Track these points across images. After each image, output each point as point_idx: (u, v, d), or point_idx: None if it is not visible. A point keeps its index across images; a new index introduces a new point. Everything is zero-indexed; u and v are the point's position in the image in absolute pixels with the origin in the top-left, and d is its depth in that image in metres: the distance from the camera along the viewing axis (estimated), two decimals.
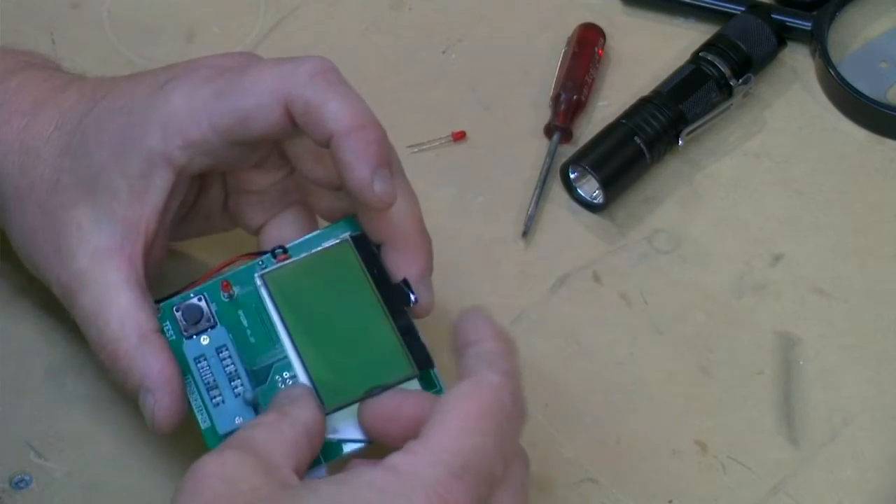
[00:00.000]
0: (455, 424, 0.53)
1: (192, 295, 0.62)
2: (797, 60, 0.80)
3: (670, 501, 0.67)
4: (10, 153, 0.64)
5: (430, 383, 0.60)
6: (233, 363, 0.60)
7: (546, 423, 0.68)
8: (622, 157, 0.75)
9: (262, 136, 0.61)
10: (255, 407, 0.59)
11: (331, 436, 0.59)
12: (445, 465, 0.52)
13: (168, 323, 0.62)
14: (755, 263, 0.74)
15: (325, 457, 0.58)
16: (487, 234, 0.75)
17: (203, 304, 0.61)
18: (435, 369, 0.60)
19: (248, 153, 0.63)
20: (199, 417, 0.60)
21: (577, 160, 0.75)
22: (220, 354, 0.60)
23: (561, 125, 0.77)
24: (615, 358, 0.71)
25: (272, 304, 0.61)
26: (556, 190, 0.76)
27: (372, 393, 0.58)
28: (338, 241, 0.62)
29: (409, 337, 0.60)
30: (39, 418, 0.68)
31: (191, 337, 0.61)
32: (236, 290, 0.62)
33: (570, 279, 0.73)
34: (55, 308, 0.69)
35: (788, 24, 0.80)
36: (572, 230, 0.75)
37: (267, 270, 0.62)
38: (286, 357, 0.60)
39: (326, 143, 0.59)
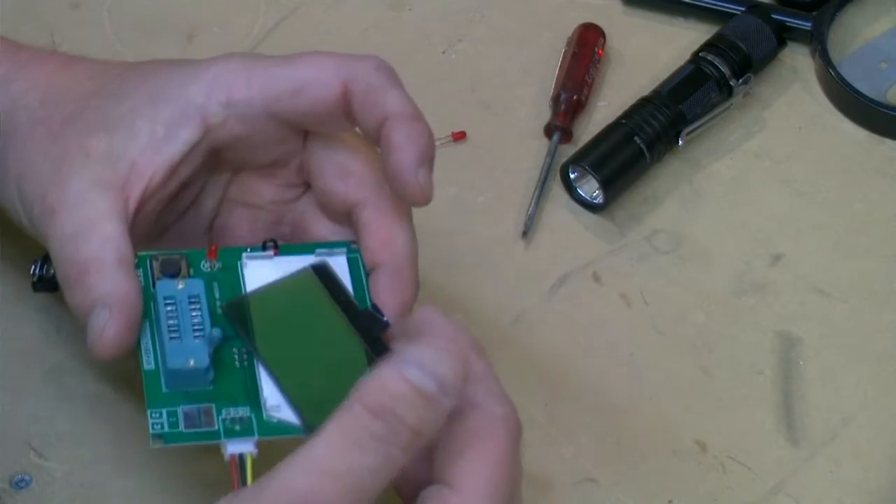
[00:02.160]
0: (485, 471, 0.54)
1: (174, 253, 0.61)
2: (797, 60, 0.80)
3: (670, 501, 0.67)
4: (35, 89, 0.63)
5: None
6: (200, 315, 0.59)
7: (546, 423, 0.68)
8: (622, 157, 0.75)
9: (308, 112, 0.61)
10: (212, 353, 0.58)
11: (272, 414, 0.58)
12: None
13: (141, 270, 0.60)
14: (755, 263, 0.74)
15: (259, 431, 0.57)
16: (487, 234, 0.75)
17: (183, 262, 0.60)
18: None
19: (279, 136, 0.63)
20: (144, 359, 0.58)
21: (577, 160, 0.75)
22: (191, 303, 0.59)
23: (561, 125, 0.77)
24: (615, 358, 0.71)
25: (245, 287, 0.61)
26: (556, 190, 0.76)
27: None
28: (300, 271, 0.61)
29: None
30: (39, 418, 0.68)
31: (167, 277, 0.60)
32: (217, 265, 0.61)
33: (570, 279, 0.73)
34: (56, 309, 0.69)
35: (788, 24, 0.80)
36: (572, 230, 0.75)
37: (252, 255, 0.61)
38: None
39: (377, 128, 0.60)
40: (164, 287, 0.59)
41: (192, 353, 0.58)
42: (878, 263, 0.74)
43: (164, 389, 0.58)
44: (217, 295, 0.60)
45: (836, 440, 0.68)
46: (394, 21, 0.82)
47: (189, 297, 0.59)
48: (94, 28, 0.81)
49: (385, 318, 0.60)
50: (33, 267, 0.66)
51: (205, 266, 0.61)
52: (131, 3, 0.83)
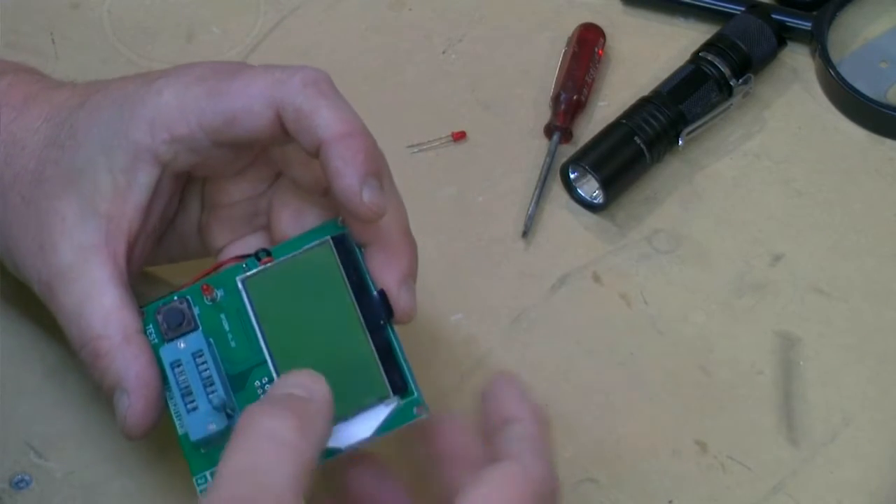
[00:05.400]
0: (487, 494, 0.52)
1: (175, 298, 0.61)
2: (797, 60, 0.80)
3: (670, 501, 0.67)
4: None
5: (407, 402, 0.59)
6: (208, 369, 0.59)
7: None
8: (622, 157, 0.75)
9: (248, 139, 0.61)
10: (227, 413, 0.59)
11: None
12: None
13: (151, 326, 0.61)
14: (755, 263, 0.74)
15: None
16: (487, 234, 0.75)
17: (185, 307, 0.61)
18: (414, 392, 0.59)
19: (235, 155, 0.63)
20: (176, 423, 0.60)
21: (577, 160, 0.75)
22: (197, 360, 0.60)
23: (561, 125, 0.77)
24: (615, 358, 0.71)
25: (252, 309, 0.61)
26: (556, 190, 0.76)
27: (347, 415, 0.58)
28: (319, 242, 0.61)
29: (387, 356, 0.59)
30: (39, 418, 0.68)
31: (171, 341, 0.60)
32: (219, 293, 0.61)
33: (570, 279, 0.73)
34: None
35: (788, 24, 0.80)
36: (572, 230, 0.75)
37: (248, 275, 0.61)
38: (265, 361, 0.60)
39: (316, 152, 0.59)
40: (168, 353, 0.60)
41: (210, 418, 0.59)
42: (878, 263, 0.74)
43: (201, 451, 0.59)
44: (227, 328, 0.61)
45: (836, 440, 0.68)
46: (394, 21, 0.82)
47: (193, 354, 0.60)
48: (94, 28, 0.81)
49: (392, 307, 0.60)
50: None
51: (206, 300, 0.61)
52: (131, 3, 0.83)
